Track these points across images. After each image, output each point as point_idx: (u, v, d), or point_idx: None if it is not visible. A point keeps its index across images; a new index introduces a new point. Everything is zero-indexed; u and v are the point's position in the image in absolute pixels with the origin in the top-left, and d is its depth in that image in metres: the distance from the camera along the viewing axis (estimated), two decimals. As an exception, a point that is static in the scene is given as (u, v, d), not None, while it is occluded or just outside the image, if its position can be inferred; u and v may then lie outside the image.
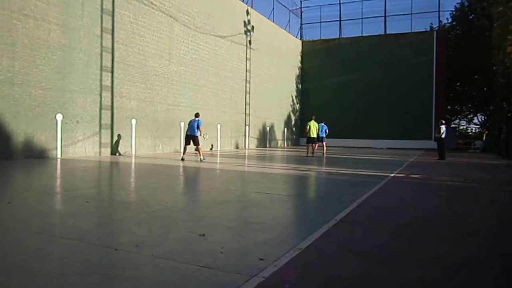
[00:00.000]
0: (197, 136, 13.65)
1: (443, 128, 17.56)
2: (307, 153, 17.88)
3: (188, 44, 19.57)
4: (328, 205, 6.22)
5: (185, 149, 14.07)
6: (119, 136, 15.52)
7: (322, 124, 19.29)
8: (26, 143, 12.34)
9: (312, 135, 17.74)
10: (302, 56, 35.22)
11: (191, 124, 13.79)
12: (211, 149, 21.37)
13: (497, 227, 5.12)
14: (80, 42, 13.98)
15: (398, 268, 3.27)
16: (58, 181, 8.51)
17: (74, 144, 13.92)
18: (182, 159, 13.68)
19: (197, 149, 13.96)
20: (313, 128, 17.76)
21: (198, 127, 13.60)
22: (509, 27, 21.22)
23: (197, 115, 14.07)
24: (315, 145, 18.17)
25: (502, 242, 4.36)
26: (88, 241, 3.76)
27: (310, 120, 18.23)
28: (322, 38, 35.21)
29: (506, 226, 5.19)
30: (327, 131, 19.42)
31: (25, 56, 12.21)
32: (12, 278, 2.84)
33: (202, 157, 13.62)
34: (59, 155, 13.26)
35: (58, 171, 10.18)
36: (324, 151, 19.24)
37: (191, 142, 13.74)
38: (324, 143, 19.20)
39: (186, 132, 13.97)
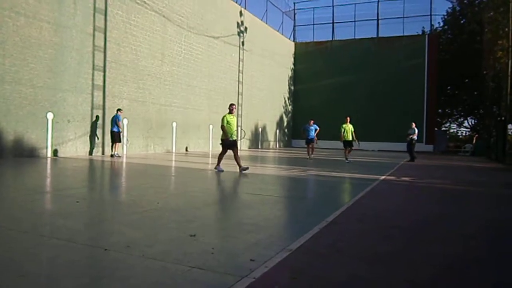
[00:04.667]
0: (118, 132, 14.45)
1: (416, 130, 18.42)
2: (346, 158, 16.52)
3: (181, 44, 19.54)
4: (319, 207, 6.25)
5: (114, 146, 14.50)
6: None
7: (315, 125, 17.96)
8: (16, 142, 12.23)
9: (348, 139, 16.46)
10: (294, 58, 35.30)
11: (113, 119, 14.57)
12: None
13: (487, 228, 5.17)
14: (72, 40, 13.89)
15: (388, 270, 3.29)
16: (48, 180, 8.45)
17: (65, 144, 13.82)
18: (112, 156, 14.33)
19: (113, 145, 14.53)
20: (349, 131, 16.49)
21: (116, 123, 14.47)
22: (499, 32, 21.47)
23: (118, 110, 14.75)
24: (349, 149, 16.69)
25: (493, 243, 4.41)
26: (78, 241, 3.74)
27: (345, 123, 16.74)
28: (315, 40, 35.32)
29: (496, 227, 5.25)
30: (317, 130, 17.96)
31: (16, 54, 12.10)
32: (0, 278, 2.81)
33: (116, 153, 14.41)
34: (49, 154, 13.16)
35: (48, 170, 10.10)
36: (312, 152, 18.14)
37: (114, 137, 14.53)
38: (313, 144, 17.89)
39: (116, 130, 14.49)
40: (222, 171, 10.39)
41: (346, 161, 16.15)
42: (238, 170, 10.48)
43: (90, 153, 14.83)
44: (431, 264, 3.49)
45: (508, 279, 3.30)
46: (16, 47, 12.11)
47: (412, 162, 17.79)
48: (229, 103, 10.94)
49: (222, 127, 10.46)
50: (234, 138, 10.58)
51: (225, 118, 10.46)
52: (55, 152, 13.33)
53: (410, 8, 32.22)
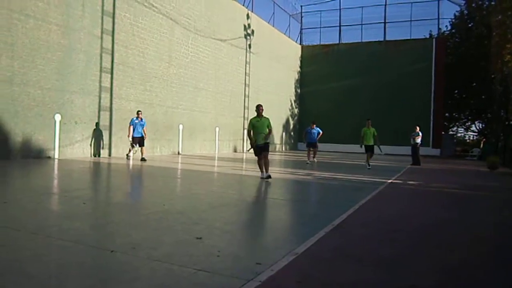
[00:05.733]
0: (134, 137, 13.98)
1: (420, 133, 18.29)
2: (368, 163, 15.08)
3: (188, 47, 19.60)
4: (325, 210, 6.23)
5: (140, 150, 14.16)
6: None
7: (318, 128, 17.18)
8: (24, 143, 12.32)
9: (368, 143, 15.11)
10: (301, 61, 35.29)
11: (139, 125, 14.08)
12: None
13: (493, 233, 5.13)
14: (80, 43, 13.99)
15: (393, 275, 3.27)
16: (55, 181, 8.50)
17: (72, 145, 13.90)
18: (142, 159, 13.88)
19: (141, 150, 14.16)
20: (370, 134, 15.13)
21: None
22: (507, 36, 21.32)
23: (139, 112, 14.21)
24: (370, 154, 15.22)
25: (499, 248, 4.37)
26: (84, 242, 3.76)
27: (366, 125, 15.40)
28: (321, 43, 35.31)
29: (503, 232, 5.21)
30: (320, 133, 17.16)
31: (24, 56, 12.20)
32: (7, 279, 2.83)
33: (143, 156, 14.01)
34: (56, 156, 13.23)
35: (56, 172, 10.16)
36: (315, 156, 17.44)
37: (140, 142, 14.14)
38: (315, 149, 17.20)
39: (134, 135, 14.00)
40: (264, 178, 9.44)
41: (368, 167, 14.74)
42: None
43: (98, 155, 14.87)
44: (436, 269, 3.46)
45: (516, 285, 3.27)
46: (25, 49, 12.21)
47: (418, 166, 17.71)
48: (256, 105, 9.96)
49: (248, 133, 9.74)
50: (262, 142, 9.53)
51: (250, 122, 9.65)
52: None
53: (417, 12, 32.12)
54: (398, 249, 4.10)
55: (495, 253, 4.19)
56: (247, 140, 25.59)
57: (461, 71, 32.49)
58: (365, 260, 3.62)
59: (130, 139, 14.02)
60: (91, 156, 14.57)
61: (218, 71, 22.18)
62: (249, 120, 9.89)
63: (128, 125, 14.17)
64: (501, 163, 21.11)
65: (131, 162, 13.44)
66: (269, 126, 9.62)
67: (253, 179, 9.81)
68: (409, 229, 5.08)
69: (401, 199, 8.00)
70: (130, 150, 14.27)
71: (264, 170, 9.57)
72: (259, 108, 9.64)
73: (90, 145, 14.60)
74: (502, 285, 3.24)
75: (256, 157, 9.73)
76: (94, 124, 14.70)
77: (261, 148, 9.55)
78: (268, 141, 9.65)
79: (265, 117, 9.66)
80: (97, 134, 14.81)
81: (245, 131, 25.27)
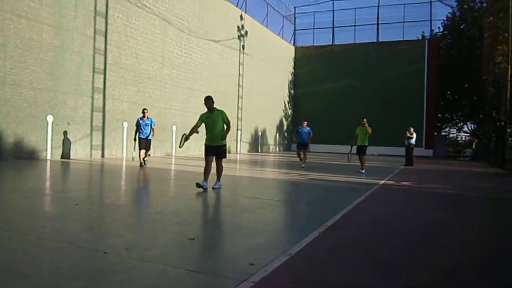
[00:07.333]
0: (139, 138, 12.31)
1: (414, 134, 18.57)
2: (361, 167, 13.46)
3: (181, 47, 19.56)
4: (319, 211, 6.24)
5: (143, 153, 12.33)
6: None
7: (309, 128, 15.21)
8: (16, 144, 12.22)
9: (361, 143, 13.74)
10: (295, 62, 35.34)
11: (144, 125, 12.34)
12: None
13: (487, 233, 5.16)
14: (73, 43, 13.91)
15: (387, 276, 3.28)
16: (48, 182, 8.43)
17: (65, 146, 13.80)
18: (143, 164, 12.24)
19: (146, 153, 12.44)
20: (360, 135, 13.79)
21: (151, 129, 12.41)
22: (499, 37, 21.53)
23: (144, 111, 12.53)
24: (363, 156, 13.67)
25: (493, 248, 4.40)
26: (77, 243, 3.73)
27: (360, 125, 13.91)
28: (315, 44, 35.39)
29: (497, 232, 5.24)
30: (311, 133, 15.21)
31: (16, 56, 12.11)
32: (1, 279, 2.81)
33: (143, 160, 12.26)
34: (49, 157, 13.14)
35: (48, 173, 10.09)
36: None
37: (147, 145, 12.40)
38: (305, 151, 15.13)
39: (139, 136, 12.29)
40: (202, 186, 7.50)
41: (361, 171, 13.23)
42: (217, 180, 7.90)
43: (91, 155, 14.78)
44: (430, 270, 3.48)
45: (509, 285, 3.29)
46: (17, 49, 12.12)
47: (411, 166, 17.82)
48: (204, 97, 7.99)
49: (191, 129, 8.19)
50: (215, 143, 7.78)
51: (199, 118, 8.01)
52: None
53: (410, 13, 32.30)
54: (393, 250, 4.11)
55: (488, 254, 4.22)
56: (239, 141, 25.61)
57: (454, 72, 32.73)
58: (359, 261, 3.63)
59: (136, 141, 12.37)
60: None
61: (211, 72, 22.15)
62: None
63: (134, 126, 12.66)
64: (493, 164, 21.27)
65: (122, 163, 13.35)
66: (225, 120, 7.76)
67: (246, 180, 9.81)
68: (403, 230, 5.10)
69: (394, 200, 8.03)
70: (139, 155, 12.34)
71: (207, 177, 7.65)
72: (207, 101, 7.79)
73: (84, 146, 14.48)
74: (495, 286, 3.26)
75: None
76: (87, 125, 14.57)
77: (212, 151, 7.82)
78: (224, 143, 7.83)
79: (218, 110, 7.83)
80: (90, 135, 14.61)
81: (239, 132, 25.30)
